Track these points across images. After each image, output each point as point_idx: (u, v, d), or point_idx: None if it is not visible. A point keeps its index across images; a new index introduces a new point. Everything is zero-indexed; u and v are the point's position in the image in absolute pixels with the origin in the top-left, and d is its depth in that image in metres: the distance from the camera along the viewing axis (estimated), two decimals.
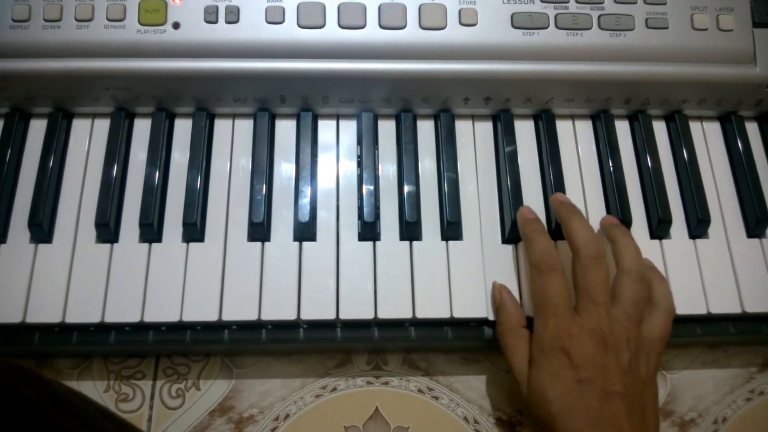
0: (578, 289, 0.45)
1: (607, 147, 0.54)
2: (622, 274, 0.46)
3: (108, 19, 0.50)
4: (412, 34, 0.52)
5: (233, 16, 0.51)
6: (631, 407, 0.43)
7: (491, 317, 0.49)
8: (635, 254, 0.47)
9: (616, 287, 0.46)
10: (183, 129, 0.54)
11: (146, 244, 0.49)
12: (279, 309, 0.48)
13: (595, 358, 0.43)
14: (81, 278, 0.48)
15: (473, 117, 0.56)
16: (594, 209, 0.53)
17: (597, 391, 0.43)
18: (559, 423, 0.42)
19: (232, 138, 0.54)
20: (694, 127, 0.56)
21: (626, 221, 0.51)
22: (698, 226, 0.52)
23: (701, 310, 0.50)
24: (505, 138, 0.54)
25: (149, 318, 0.47)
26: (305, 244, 0.50)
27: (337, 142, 0.54)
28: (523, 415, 0.50)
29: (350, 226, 0.51)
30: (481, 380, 0.52)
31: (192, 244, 0.49)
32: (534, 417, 0.45)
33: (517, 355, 0.46)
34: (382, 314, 0.48)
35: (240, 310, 0.48)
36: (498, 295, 0.49)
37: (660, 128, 0.56)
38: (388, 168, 0.53)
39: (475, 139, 0.55)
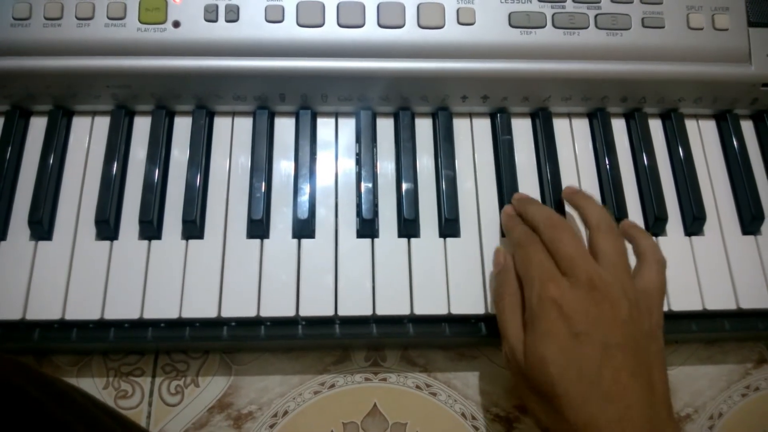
0: (555, 258, 0.44)
1: (603, 145, 0.55)
2: (593, 231, 0.46)
3: (108, 18, 0.51)
4: (410, 33, 0.52)
5: (233, 14, 0.51)
6: (635, 362, 0.40)
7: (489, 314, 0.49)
8: (600, 211, 0.47)
9: (592, 246, 0.45)
10: (183, 127, 0.54)
11: (146, 241, 0.50)
12: (278, 306, 0.48)
13: (589, 308, 0.41)
14: (81, 275, 0.48)
15: (471, 115, 0.56)
16: None
17: (595, 344, 0.40)
18: (558, 386, 0.39)
19: (232, 136, 0.54)
20: (690, 125, 0.57)
21: (622, 218, 0.52)
22: (694, 224, 0.52)
23: (697, 306, 0.50)
24: (502, 130, 0.55)
25: (149, 315, 0.47)
26: (304, 241, 0.50)
27: (336, 139, 0.54)
28: (520, 392, 0.46)
29: (349, 223, 0.51)
30: (478, 376, 0.52)
31: (191, 241, 0.50)
32: (533, 385, 0.42)
33: (515, 321, 0.44)
34: (381, 311, 0.48)
35: (239, 306, 0.48)
36: (502, 258, 0.48)
37: (656, 126, 0.57)
38: (386, 166, 0.54)
39: (473, 137, 0.55)
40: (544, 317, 0.41)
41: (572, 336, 0.40)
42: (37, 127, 0.53)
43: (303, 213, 0.50)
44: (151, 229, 0.50)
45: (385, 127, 0.55)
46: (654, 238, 0.52)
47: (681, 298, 0.50)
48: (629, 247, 0.47)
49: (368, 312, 0.48)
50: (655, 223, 0.52)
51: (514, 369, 0.44)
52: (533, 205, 0.49)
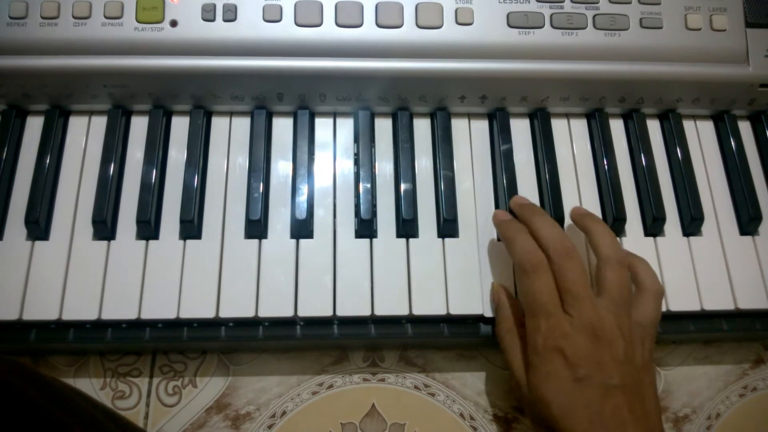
0: (560, 289, 0.45)
1: (601, 145, 0.55)
2: (601, 262, 0.46)
3: (105, 17, 0.50)
4: (408, 32, 0.52)
5: (231, 14, 0.51)
6: (632, 398, 0.42)
7: (487, 314, 0.49)
8: (611, 241, 0.47)
9: (598, 278, 0.46)
10: (180, 126, 0.54)
11: (143, 242, 0.49)
12: (276, 306, 0.48)
13: (590, 354, 0.43)
14: (78, 275, 0.48)
15: (469, 115, 0.56)
16: (589, 207, 0.53)
17: (596, 387, 0.42)
18: (561, 423, 0.42)
19: (230, 136, 0.54)
20: (688, 125, 0.57)
21: (621, 219, 0.52)
22: (692, 224, 0.53)
23: (695, 307, 0.50)
24: (501, 136, 0.54)
25: (146, 315, 0.47)
26: (302, 241, 0.50)
27: (334, 140, 0.54)
28: (525, 413, 0.50)
29: (347, 223, 0.51)
30: (477, 377, 0.52)
31: (189, 241, 0.50)
32: (536, 417, 0.45)
33: (516, 357, 0.46)
34: (379, 311, 0.48)
35: (237, 307, 0.48)
36: (497, 295, 0.49)
37: (654, 127, 0.57)
38: (384, 166, 0.53)
39: (471, 137, 0.55)
40: (548, 360, 0.44)
41: (574, 380, 0.43)
42: (34, 126, 0.53)
43: (301, 213, 0.50)
44: (148, 229, 0.49)
45: (384, 128, 0.55)
46: (652, 238, 0.52)
47: (679, 298, 0.50)
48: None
49: (367, 312, 0.48)
50: (653, 223, 0.52)
51: (522, 397, 0.47)
52: (540, 217, 0.48)
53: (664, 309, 0.49)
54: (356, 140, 0.54)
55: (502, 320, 0.48)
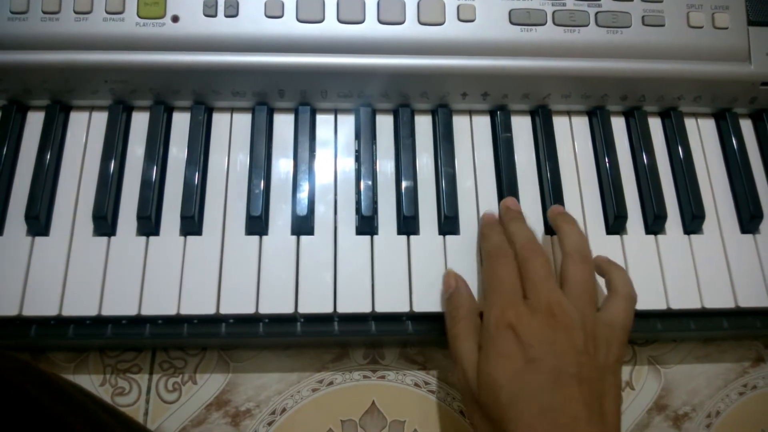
0: (523, 279, 0.44)
1: (603, 143, 0.55)
2: (565, 257, 0.45)
3: (107, 12, 0.50)
4: (410, 29, 0.52)
5: (232, 9, 0.51)
6: (588, 392, 0.39)
7: None
8: (577, 238, 0.46)
9: (561, 273, 0.45)
10: (181, 122, 0.54)
11: (144, 238, 0.49)
12: (276, 303, 0.48)
13: (545, 334, 0.41)
14: (78, 271, 0.48)
15: (471, 112, 0.56)
16: (590, 204, 0.53)
17: (548, 371, 0.39)
18: (509, 411, 0.39)
19: (231, 132, 0.54)
20: (689, 123, 0.57)
21: (622, 216, 0.52)
22: (693, 222, 0.52)
23: (695, 305, 0.50)
24: (502, 127, 0.55)
25: (146, 311, 0.47)
26: (303, 238, 0.50)
27: (335, 136, 0.54)
28: (466, 414, 0.46)
29: (348, 220, 0.51)
30: None
31: (190, 238, 0.49)
32: (483, 408, 0.41)
33: (469, 343, 0.44)
34: (380, 308, 0.48)
35: (237, 303, 0.48)
36: (453, 281, 0.47)
37: (655, 125, 0.57)
38: (386, 163, 0.53)
39: (472, 134, 0.55)
40: (500, 341, 0.41)
41: (526, 361, 0.40)
42: (34, 122, 0.53)
43: (302, 210, 0.50)
44: (149, 225, 0.49)
45: (385, 124, 0.55)
46: (653, 236, 0.52)
47: (680, 296, 0.50)
48: (603, 280, 0.48)
49: (367, 309, 0.48)
50: (655, 221, 0.52)
51: (465, 393, 0.44)
52: (518, 222, 0.48)
53: (664, 306, 0.50)
54: (357, 137, 0.54)
55: (458, 304, 0.46)
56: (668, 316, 0.51)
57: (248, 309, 0.47)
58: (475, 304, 0.47)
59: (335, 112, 0.55)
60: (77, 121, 0.54)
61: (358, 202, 0.51)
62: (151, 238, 0.49)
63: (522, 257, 0.45)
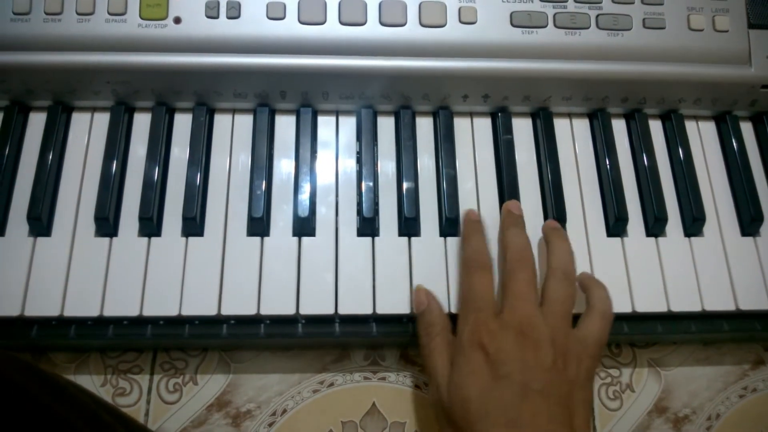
0: (504, 289, 0.45)
1: (604, 145, 0.55)
2: (548, 273, 0.47)
3: (109, 13, 0.50)
4: (412, 31, 0.52)
5: (234, 11, 0.51)
6: (555, 407, 0.41)
7: None
8: (564, 255, 0.48)
9: (543, 288, 0.47)
10: (183, 124, 0.54)
11: (145, 238, 0.49)
12: (278, 304, 0.48)
13: (514, 352, 0.42)
14: (80, 272, 0.48)
15: (472, 114, 0.56)
16: (591, 207, 0.53)
17: (516, 387, 0.41)
18: (478, 425, 0.40)
19: (232, 133, 0.54)
20: (690, 126, 0.57)
21: (622, 219, 0.52)
22: (693, 225, 0.53)
23: (696, 307, 0.50)
24: (502, 129, 0.55)
25: (148, 312, 0.47)
26: (304, 239, 0.50)
27: (337, 138, 0.54)
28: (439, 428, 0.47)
29: (349, 221, 0.51)
30: None
31: (191, 239, 0.50)
32: (454, 423, 0.42)
33: (442, 359, 0.45)
34: (381, 309, 0.48)
35: (239, 304, 0.48)
36: (424, 298, 0.48)
37: (656, 127, 0.57)
38: (387, 164, 0.53)
39: (473, 136, 0.55)
40: (472, 357, 0.43)
41: (494, 378, 0.41)
42: (36, 122, 0.53)
43: (303, 211, 0.50)
44: (150, 226, 0.49)
45: (386, 126, 0.55)
46: (653, 238, 0.52)
47: (680, 298, 0.50)
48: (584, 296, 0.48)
49: (368, 311, 0.48)
50: (655, 223, 0.52)
51: (438, 409, 0.44)
52: (515, 228, 0.49)
53: (665, 309, 0.50)
54: (359, 138, 0.54)
55: (432, 321, 0.47)
56: (669, 318, 0.51)
57: (249, 310, 0.48)
58: (447, 320, 0.47)
59: (337, 113, 0.55)
60: (79, 121, 0.54)
61: (359, 204, 0.51)
62: (153, 239, 0.50)
63: (509, 268, 0.46)
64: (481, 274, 0.46)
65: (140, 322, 0.48)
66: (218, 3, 0.51)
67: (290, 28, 0.51)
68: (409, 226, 0.51)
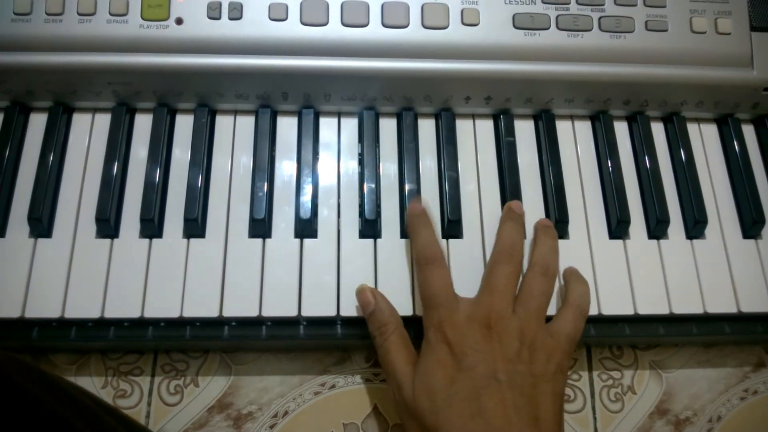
0: (483, 280, 0.46)
1: (606, 148, 0.55)
2: (528, 267, 0.47)
3: (110, 14, 0.50)
4: (414, 33, 0.52)
5: (236, 12, 0.51)
6: (520, 399, 0.41)
7: None
8: (546, 251, 0.48)
9: (522, 281, 0.47)
10: (184, 125, 0.54)
11: (147, 240, 0.49)
12: (280, 305, 0.48)
13: (478, 344, 0.43)
14: (80, 273, 0.48)
15: (474, 116, 0.56)
16: (593, 209, 0.53)
17: (480, 378, 0.41)
18: (443, 415, 0.41)
19: (234, 134, 0.54)
20: (692, 129, 0.57)
21: (624, 221, 0.52)
22: (695, 227, 0.53)
23: (698, 310, 0.50)
24: (505, 131, 0.55)
25: (149, 314, 0.47)
26: (306, 240, 0.50)
27: (339, 139, 0.54)
28: (403, 429, 0.46)
29: (351, 223, 0.51)
30: None
31: (193, 240, 0.49)
32: (419, 417, 0.42)
33: (400, 357, 0.45)
34: None
35: (240, 306, 0.48)
36: (371, 297, 0.47)
37: (658, 130, 0.57)
38: (389, 166, 0.53)
39: (475, 138, 0.55)
40: (437, 351, 0.43)
41: (459, 370, 0.42)
42: (37, 123, 0.53)
43: (305, 213, 0.50)
44: (152, 227, 0.49)
45: (388, 128, 0.55)
46: (656, 241, 0.52)
47: (682, 301, 0.50)
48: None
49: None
50: (657, 225, 0.52)
51: (401, 407, 0.45)
52: (511, 222, 0.49)
53: (667, 311, 0.50)
54: (360, 140, 0.54)
55: (385, 321, 0.46)
56: (670, 320, 0.51)
57: (251, 312, 0.47)
58: (398, 317, 0.47)
59: (338, 115, 0.55)
60: (80, 122, 0.53)
61: (361, 206, 0.51)
62: (154, 240, 0.49)
63: (494, 259, 0.47)
64: (434, 268, 0.46)
65: (141, 323, 0.48)
66: (220, 4, 0.51)
67: (292, 29, 0.51)
68: None
